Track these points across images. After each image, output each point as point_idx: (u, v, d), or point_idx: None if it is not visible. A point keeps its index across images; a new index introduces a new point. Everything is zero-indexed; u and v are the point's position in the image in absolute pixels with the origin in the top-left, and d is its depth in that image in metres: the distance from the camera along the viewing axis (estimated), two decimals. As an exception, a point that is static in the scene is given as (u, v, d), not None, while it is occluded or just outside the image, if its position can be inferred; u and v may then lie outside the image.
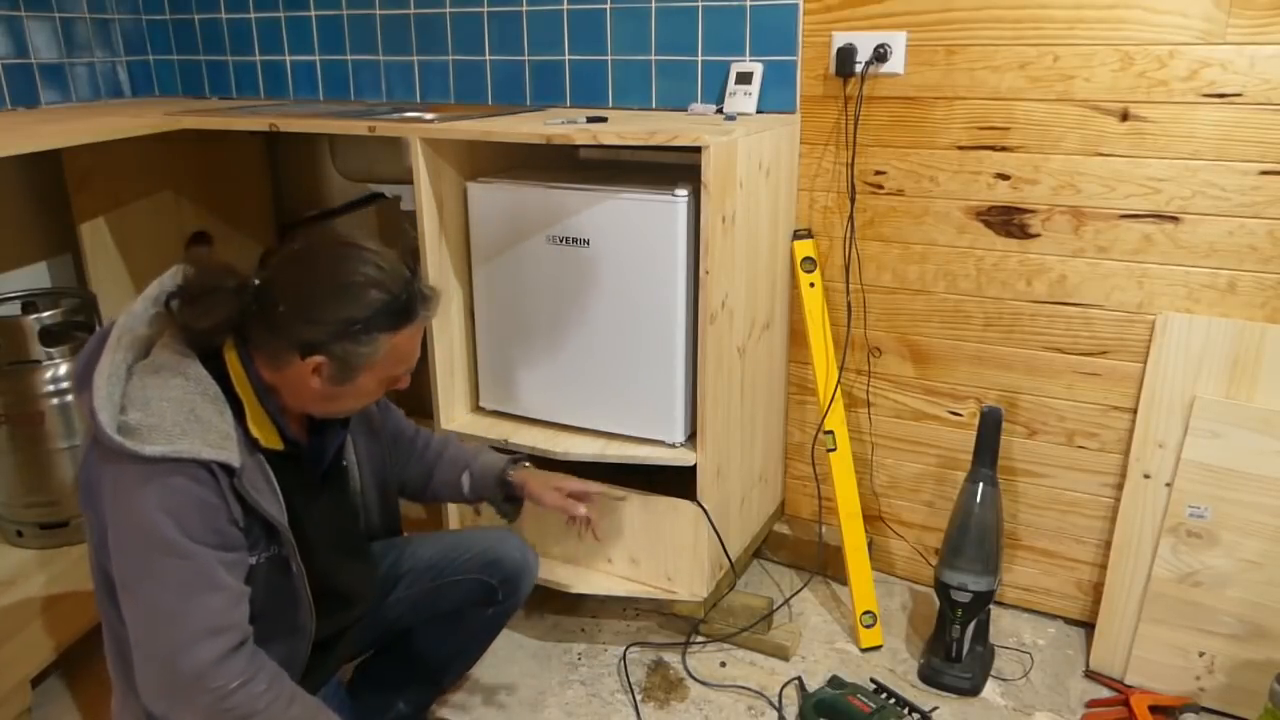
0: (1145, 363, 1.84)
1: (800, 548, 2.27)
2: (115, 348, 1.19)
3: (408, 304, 1.25)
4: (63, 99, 2.41)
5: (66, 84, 2.42)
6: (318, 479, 1.39)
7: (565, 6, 2.15)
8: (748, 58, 2.01)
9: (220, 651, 1.16)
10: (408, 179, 1.86)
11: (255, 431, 1.24)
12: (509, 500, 1.64)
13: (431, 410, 2.00)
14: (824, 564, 2.23)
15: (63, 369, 1.99)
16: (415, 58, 2.36)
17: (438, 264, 1.91)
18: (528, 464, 1.67)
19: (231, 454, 1.17)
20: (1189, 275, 1.78)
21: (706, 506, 1.85)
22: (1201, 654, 1.79)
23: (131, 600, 1.17)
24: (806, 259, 2.06)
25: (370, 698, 1.67)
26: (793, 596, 2.15)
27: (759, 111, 2.00)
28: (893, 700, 1.80)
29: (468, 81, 2.32)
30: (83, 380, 1.19)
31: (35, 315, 1.99)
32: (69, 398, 1.98)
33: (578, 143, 1.73)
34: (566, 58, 2.19)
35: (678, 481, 1.87)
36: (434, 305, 1.30)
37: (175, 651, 1.14)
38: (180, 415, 1.15)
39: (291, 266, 1.25)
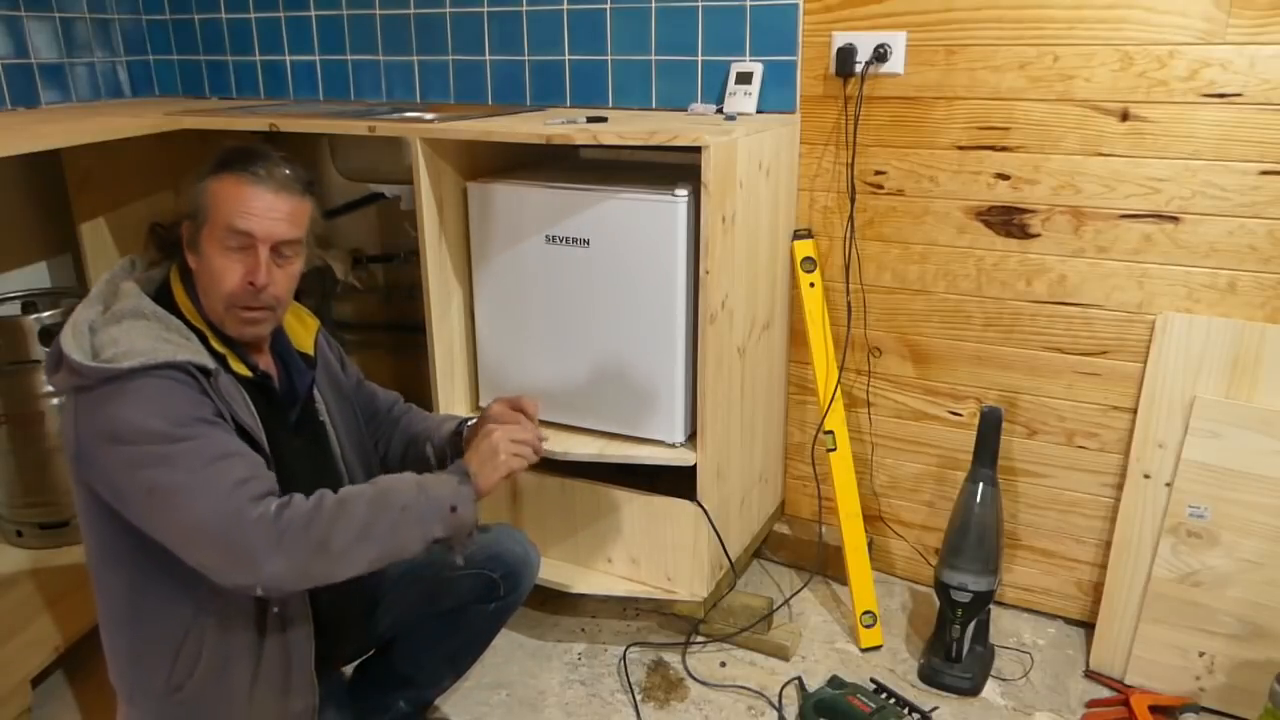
0: (1145, 363, 1.84)
1: (800, 548, 2.27)
2: (75, 319, 1.25)
3: (233, 154, 1.31)
4: (63, 99, 2.41)
5: (66, 84, 2.42)
6: (291, 420, 1.42)
7: (565, 6, 2.15)
8: (748, 58, 2.01)
9: (249, 495, 1.17)
10: (408, 179, 1.86)
11: (220, 349, 1.31)
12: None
13: (431, 410, 2.00)
14: (824, 564, 2.23)
15: (63, 369, 1.99)
16: (415, 58, 2.36)
17: (438, 264, 1.91)
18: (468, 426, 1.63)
19: (205, 360, 1.24)
20: (1189, 275, 1.78)
21: (706, 506, 1.85)
22: (1201, 654, 1.79)
23: (156, 512, 1.18)
24: (806, 259, 2.06)
25: (371, 696, 1.67)
26: (793, 596, 2.16)
27: (759, 111, 2.00)
28: (893, 700, 1.80)
29: (468, 81, 2.32)
30: (53, 367, 1.23)
31: (35, 315, 1.99)
32: (69, 398, 1.99)
33: (578, 143, 1.73)
34: (566, 58, 2.19)
35: (678, 481, 1.87)
36: (262, 162, 1.30)
37: (207, 518, 1.15)
38: (150, 341, 1.21)
39: None
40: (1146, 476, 1.83)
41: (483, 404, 2.06)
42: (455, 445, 1.61)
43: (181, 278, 1.34)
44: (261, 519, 1.16)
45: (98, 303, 1.28)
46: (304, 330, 1.51)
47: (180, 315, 1.30)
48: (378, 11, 2.36)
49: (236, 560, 1.17)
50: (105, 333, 1.21)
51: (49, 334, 1.98)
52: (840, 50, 1.91)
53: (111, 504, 1.21)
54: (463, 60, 2.31)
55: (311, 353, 1.49)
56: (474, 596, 1.60)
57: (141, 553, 1.22)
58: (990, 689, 1.87)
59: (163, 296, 1.32)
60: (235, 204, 1.28)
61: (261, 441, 1.29)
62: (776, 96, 2.01)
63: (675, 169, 1.97)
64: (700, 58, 2.05)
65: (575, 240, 1.82)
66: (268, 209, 1.29)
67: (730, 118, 1.93)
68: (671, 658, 1.97)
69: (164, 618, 1.27)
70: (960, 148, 1.90)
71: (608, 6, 2.11)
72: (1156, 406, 1.82)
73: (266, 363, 1.41)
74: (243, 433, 1.26)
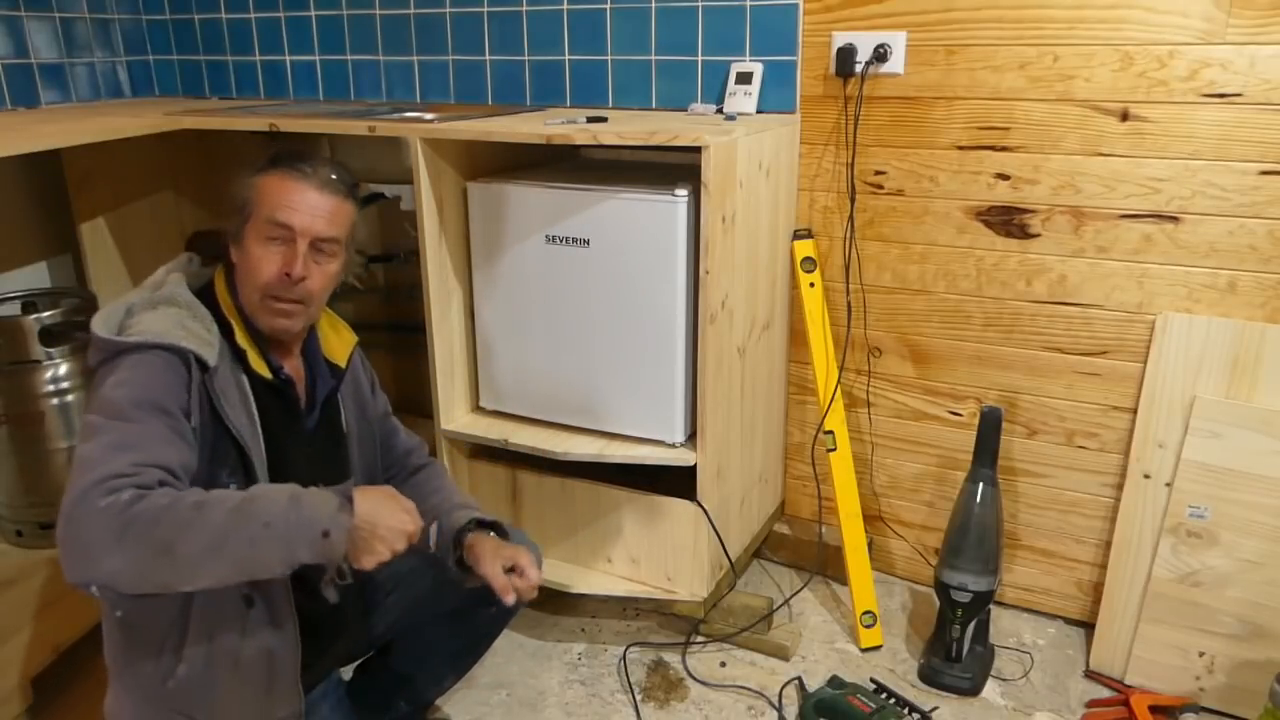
0: (1145, 363, 1.84)
1: (800, 548, 2.27)
2: (119, 300, 1.29)
3: (283, 154, 1.36)
4: (63, 99, 2.41)
5: (66, 84, 2.42)
6: (307, 426, 1.41)
7: (565, 6, 2.15)
8: (748, 58, 2.01)
9: (112, 487, 1.09)
10: (408, 179, 1.86)
11: (243, 345, 1.32)
12: (461, 566, 1.48)
13: (431, 410, 2.00)
14: (824, 564, 2.23)
15: (63, 369, 1.98)
16: (415, 58, 2.36)
17: (438, 264, 1.91)
18: (492, 532, 1.51)
19: (209, 354, 1.24)
20: (1189, 275, 1.78)
21: (706, 506, 1.85)
22: (1201, 654, 1.79)
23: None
24: (806, 259, 2.06)
25: (371, 697, 1.67)
26: (793, 596, 2.16)
27: (759, 111, 2.00)
28: (893, 700, 1.80)
29: (468, 81, 2.32)
30: (86, 348, 1.27)
31: (35, 315, 1.98)
32: (69, 397, 1.98)
33: (578, 143, 1.73)
34: (566, 58, 2.19)
35: (678, 481, 1.87)
36: (310, 161, 1.35)
37: (67, 501, 1.08)
38: (167, 324, 1.24)
39: None
40: (1146, 476, 1.83)
41: (483, 404, 2.06)
42: (459, 543, 1.47)
43: (226, 273, 1.38)
44: (108, 509, 1.07)
45: (148, 289, 1.32)
46: (339, 341, 1.51)
47: (216, 306, 1.34)
48: (378, 11, 2.36)
49: (71, 551, 1.08)
50: (140, 315, 1.25)
51: (49, 334, 1.97)
52: (840, 50, 1.91)
53: None
54: (463, 60, 2.31)
55: (342, 364, 1.48)
56: (475, 599, 1.60)
57: None
58: (990, 689, 1.87)
59: (207, 290, 1.36)
60: (279, 197, 1.32)
61: (246, 444, 1.28)
62: (776, 96, 2.01)
63: (675, 169, 1.97)
64: (700, 58, 2.05)
65: (575, 240, 1.82)
66: (309, 204, 1.32)
67: (730, 118, 1.93)
68: (671, 658, 1.97)
69: (151, 611, 1.27)
70: (960, 148, 1.90)
71: (608, 6, 2.11)
72: (1156, 406, 1.82)
73: (293, 366, 1.41)
74: (229, 433, 1.26)
